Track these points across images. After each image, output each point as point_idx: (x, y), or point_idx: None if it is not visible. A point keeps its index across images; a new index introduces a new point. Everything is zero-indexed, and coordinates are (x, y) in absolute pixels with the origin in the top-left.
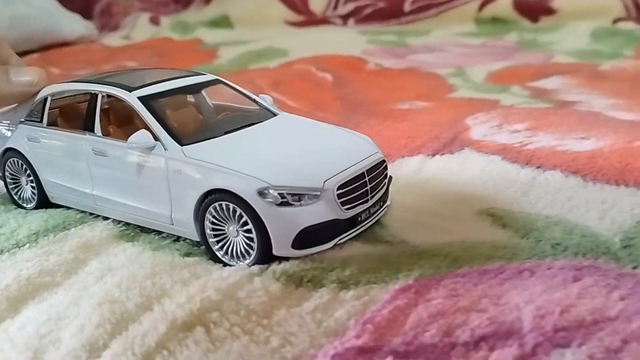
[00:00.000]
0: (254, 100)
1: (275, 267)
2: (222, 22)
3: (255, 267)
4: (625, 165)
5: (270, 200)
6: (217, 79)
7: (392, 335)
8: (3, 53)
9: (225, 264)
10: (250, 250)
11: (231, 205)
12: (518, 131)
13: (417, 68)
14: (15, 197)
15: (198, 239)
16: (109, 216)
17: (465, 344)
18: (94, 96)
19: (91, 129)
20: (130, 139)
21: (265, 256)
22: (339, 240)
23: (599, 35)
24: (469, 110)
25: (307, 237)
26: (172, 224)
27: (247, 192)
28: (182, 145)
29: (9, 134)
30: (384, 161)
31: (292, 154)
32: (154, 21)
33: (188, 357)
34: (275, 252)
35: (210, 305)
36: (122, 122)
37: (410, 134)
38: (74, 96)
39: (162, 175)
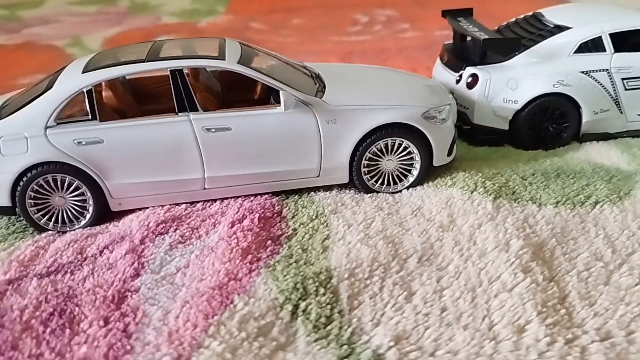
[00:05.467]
0: (275, 57)
1: None
2: None
3: None
4: None
5: (434, 120)
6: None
7: (35, 265)
8: None
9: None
10: (408, 175)
11: (389, 140)
12: None
13: (33, 42)
14: (47, 225)
15: (345, 182)
16: (221, 196)
17: (93, 254)
18: (176, 73)
19: (192, 108)
20: (282, 103)
21: (424, 174)
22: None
23: None
24: None
25: (452, 146)
26: (318, 176)
27: (414, 118)
28: (319, 97)
29: (20, 148)
30: None
31: (401, 86)
32: None
33: None
34: (435, 163)
35: None
36: (207, 95)
37: None
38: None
39: (313, 129)
